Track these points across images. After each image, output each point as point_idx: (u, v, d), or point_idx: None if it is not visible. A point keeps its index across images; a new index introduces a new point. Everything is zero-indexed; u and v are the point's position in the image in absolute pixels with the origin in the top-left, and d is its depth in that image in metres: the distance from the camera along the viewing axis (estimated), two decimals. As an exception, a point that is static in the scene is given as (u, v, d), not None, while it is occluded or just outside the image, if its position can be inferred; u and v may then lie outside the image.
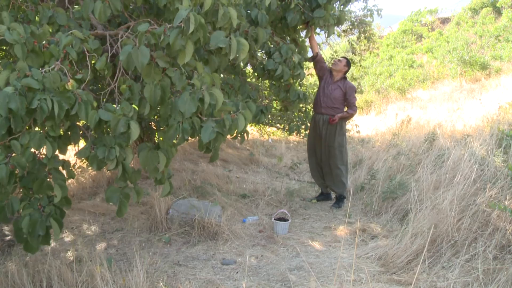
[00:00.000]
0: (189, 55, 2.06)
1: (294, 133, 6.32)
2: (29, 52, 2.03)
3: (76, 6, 2.88)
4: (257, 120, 3.55)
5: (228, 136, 2.39)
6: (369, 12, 6.74)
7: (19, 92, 1.79)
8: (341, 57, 4.64)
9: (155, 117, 4.58)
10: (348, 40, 7.77)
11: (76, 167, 4.92)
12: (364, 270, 2.82)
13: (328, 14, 3.65)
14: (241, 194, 4.65)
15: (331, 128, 4.27)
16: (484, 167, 3.56)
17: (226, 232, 3.46)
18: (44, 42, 2.10)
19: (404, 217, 3.67)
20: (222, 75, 3.86)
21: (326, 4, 3.58)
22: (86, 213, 4.01)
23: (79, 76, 2.12)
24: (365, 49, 7.88)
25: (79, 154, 2.13)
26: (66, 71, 2.00)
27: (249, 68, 5.85)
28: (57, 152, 2.07)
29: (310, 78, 8.24)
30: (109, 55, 2.33)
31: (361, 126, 8.53)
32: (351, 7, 9.45)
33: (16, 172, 1.92)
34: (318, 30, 4.24)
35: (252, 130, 8.87)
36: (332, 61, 6.22)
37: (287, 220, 3.75)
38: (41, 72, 1.90)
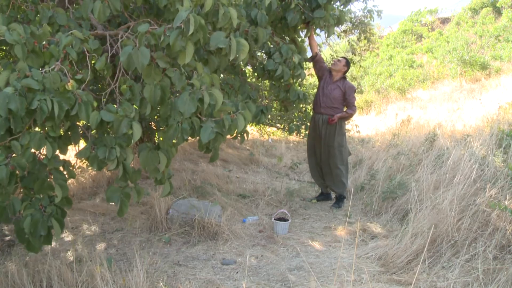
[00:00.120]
0: (190, 56, 2.06)
1: (294, 133, 6.31)
2: (29, 53, 2.02)
3: (76, 6, 2.87)
4: (257, 120, 3.55)
5: (228, 136, 2.39)
6: (369, 13, 6.73)
7: (19, 93, 1.79)
8: (341, 57, 4.64)
9: (155, 117, 4.58)
10: (348, 40, 7.77)
11: (76, 167, 4.92)
12: (364, 270, 2.82)
13: (328, 14, 3.65)
14: (241, 194, 4.65)
15: (331, 128, 4.27)
16: (484, 167, 3.56)
17: (226, 232, 3.46)
18: (44, 42, 2.10)
19: (404, 217, 3.67)
20: (222, 75, 3.86)
21: (326, 4, 3.57)
22: (86, 213, 4.02)
23: (79, 76, 2.12)
24: (365, 49, 7.87)
25: (79, 155, 2.13)
26: (66, 72, 2.00)
27: (249, 68, 5.86)
28: (57, 152, 2.07)
29: (310, 78, 8.24)
30: (109, 55, 2.33)
31: (361, 126, 8.53)
32: (351, 7, 9.45)
33: (17, 172, 1.93)
34: (318, 30, 4.24)
35: (252, 130, 8.87)
36: (331, 61, 6.23)
37: (287, 220, 3.75)
38: (41, 73, 1.90)
